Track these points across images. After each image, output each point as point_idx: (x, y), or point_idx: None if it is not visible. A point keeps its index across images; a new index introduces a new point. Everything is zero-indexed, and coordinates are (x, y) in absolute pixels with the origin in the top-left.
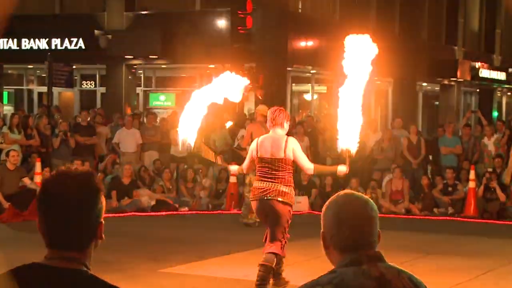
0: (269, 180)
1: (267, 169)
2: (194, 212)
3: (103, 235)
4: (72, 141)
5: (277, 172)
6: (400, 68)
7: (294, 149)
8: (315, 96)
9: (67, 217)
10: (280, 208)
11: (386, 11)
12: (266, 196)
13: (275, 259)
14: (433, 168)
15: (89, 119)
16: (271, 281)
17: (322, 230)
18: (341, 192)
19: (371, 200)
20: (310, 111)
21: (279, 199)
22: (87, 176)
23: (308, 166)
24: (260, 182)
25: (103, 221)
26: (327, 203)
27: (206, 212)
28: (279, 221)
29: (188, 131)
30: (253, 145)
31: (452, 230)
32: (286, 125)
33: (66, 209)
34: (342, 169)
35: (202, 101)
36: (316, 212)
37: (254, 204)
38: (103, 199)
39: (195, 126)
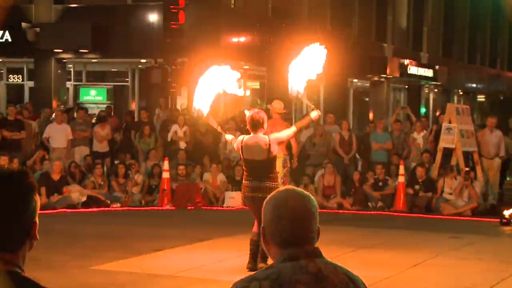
0: (257, 179)
1: (252, 169)
2: (126, 208)
3: (37, 235)
4: None
5: (261, 172)
6: (331, 65)
7: (275, 139)
8: (248, 92)
9: None
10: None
11: (317, 9)
12: (257, 195)
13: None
14: (364, 164)
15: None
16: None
17: (262, 225)
18: (282, 188)
19: (311, 196)
20: (242, 107)
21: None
22: (19, 175)
23: (289, 133)
24: (248, 181)
25: (37, 221)
26: (267, 198)
27: (138, 208)
28: None
29: (201, 102)
30: (239, 142)
31: (382, 224)
32: (265, 125)
33: None
34: (315, 114)
35: (214, 81)
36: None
37: (245, 201)
38: (37, 198)
39: (209, 99)
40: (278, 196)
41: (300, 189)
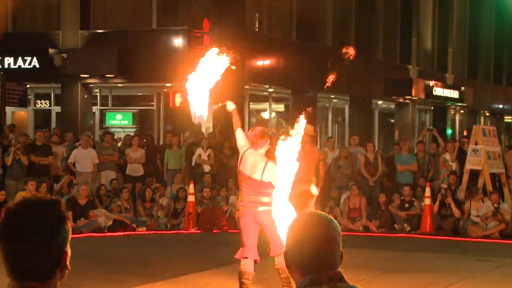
0: (253, 194)
1: (247, 184)
2: (152, 232)
3: (68, 265)
4: (24, 160)
5: (256, 188)
6: (356, 87)
7: (272, 177)
8: (273, 114)
9: (28, 246)
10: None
11: (341, 31)
12: (258, 207)
13: None
14: (389, 186)
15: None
16: None
17: (284, 249)
18: (306, 211)
19: (335, 221)
20: (268, 129)
21: (266, 208)
22: (50, 204)
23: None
24: (247, 195)
25: (68, 251)
26: (291, 222)
27: (164, 231)
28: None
29: (198, 104)
30: (241, 153)
31: (408, 247)
32: (267, 145)
33: (27, 238)
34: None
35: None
36: None
37: (242, 213)
38: (68, 228)
39: (204, 98)
40: (301, 221)
41: (323, 213)
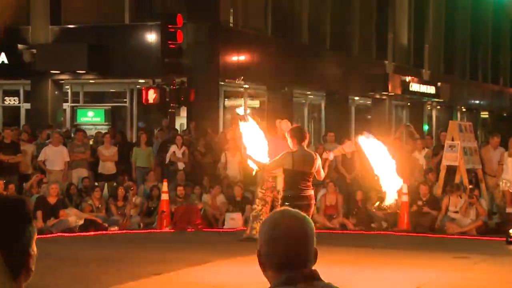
0: (303, 187)
1: (300, 180)
2: (124, 231)
3: (31, 267)
4: None
5: (307, 182)
6: (332, 83)
7: (319, 165)
8: (248, 111)
9: None
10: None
11: (317, 28)
12: (301, 201)
13: None
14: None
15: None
16: None
17: (257, 248)
18: (278, 209)
19: (308, 217)
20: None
21: (313, 202)
22: (14, 204)
23: (323, 175)
24: (293, 191)
25: (31, 252)
26: (263, 220)
27: (137, 231)
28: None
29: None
30: (288, 158)
31: (386, 245)
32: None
33: None
34: (349, 149)
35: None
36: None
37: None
38: (32, 229)
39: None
40: (273, 218)
41: (295, 210)
